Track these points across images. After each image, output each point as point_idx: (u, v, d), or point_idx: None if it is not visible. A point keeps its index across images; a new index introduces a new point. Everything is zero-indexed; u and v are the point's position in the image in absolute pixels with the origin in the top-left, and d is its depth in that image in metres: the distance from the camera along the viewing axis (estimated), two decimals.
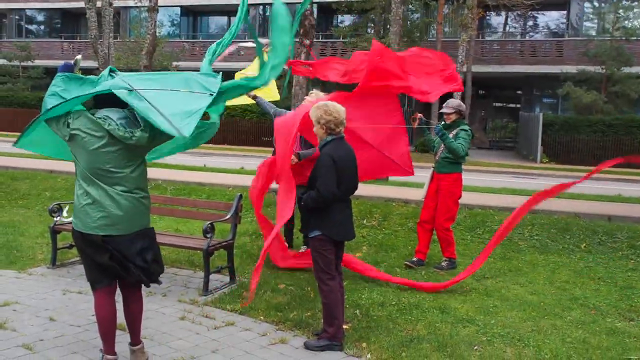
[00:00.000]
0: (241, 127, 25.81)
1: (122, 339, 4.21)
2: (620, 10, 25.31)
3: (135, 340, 4.06)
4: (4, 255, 6.74)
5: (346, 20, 32.07)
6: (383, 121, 6.26)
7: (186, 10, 34.84)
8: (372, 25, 26.81)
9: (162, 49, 27.80)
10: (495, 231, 5.71)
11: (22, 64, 32.66)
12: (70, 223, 4.00)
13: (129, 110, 3.79)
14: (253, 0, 31.00)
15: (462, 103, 7.02)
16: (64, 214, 6.65)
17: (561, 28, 30.55)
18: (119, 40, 29.79)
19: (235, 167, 14.97)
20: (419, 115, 6.67)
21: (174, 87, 3.86)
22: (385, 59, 5.97)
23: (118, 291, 4.00)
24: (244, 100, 7.30)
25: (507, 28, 31.99)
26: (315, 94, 6.59)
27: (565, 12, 29.78)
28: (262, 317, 5.06)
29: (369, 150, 6.18)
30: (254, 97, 7.15)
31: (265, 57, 3.83)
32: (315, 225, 4.55)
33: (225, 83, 3.90)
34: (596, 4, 28.06)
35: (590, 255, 7.67)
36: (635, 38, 24.81)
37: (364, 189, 9.78)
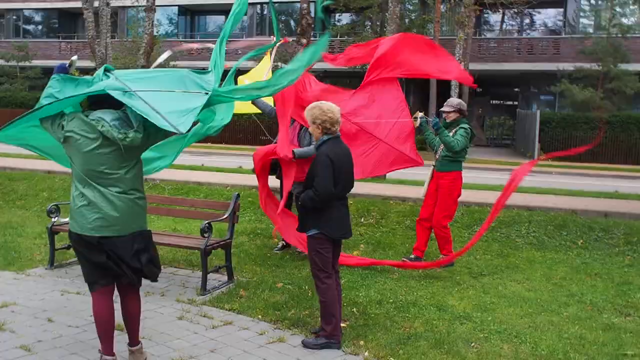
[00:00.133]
0: (239, 126, 25.81)
1: (121, 339, 4.22)
2: (617, 7, 25.35)
3: (134, 340, 4.07)
4: (2, 257, 6.75)
5: (344, 18, 32.05)
6: (391, 116, 6.33)
7: (184, 10, 34.82)
8: (370, 23, 26.79)
9: (160, 49, 27.78)
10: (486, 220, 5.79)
11: (20, 64, 32.62)
12: (68, 224, 4.01)
13: (122, 112, 3.79)
14: None
15: (462, 102, 6.99)
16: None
17: (558, 25, 30.57)
18: (116, 40, 29.77)
19: (233, 167, 14.99)
20: (420, 113, 6.69)
21: (169, 86, 3.87)
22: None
23: (116, 292, 4.01)
24: (250, 108, 7.31)
25: (504, 26, 32.01)
26: None
27: (562, 9, 29.80)
28: (260, 316, 5.08)
29: (379, 145, 6.25)
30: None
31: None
32: (312, 224, 4.56)
33: (236, 87, 3.98)
34: (592, 0, 28.10)
35: (587, 251, 7.71)
36: (631, 35, 24.85)
37: (361, 187, 9.80)
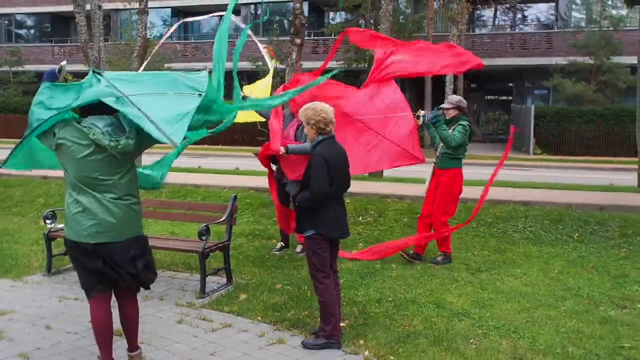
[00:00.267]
0: (235, 127, 25.79)
1: (120, 345, 4.22)
2: (608, 1, 25.44)
3: (133, 346, 4.08)
4: None
5: (338, 17, 32.06)
6: (393, 113, 6.36)
7: (177, 12, 34.74)
8: (364, 21, 26.81)
9: (154, 51, 27.71)
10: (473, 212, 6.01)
11: (13, 69, 32.53)
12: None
13: (115, 117, 3.75)
14: None
15: (462, 99, 6.96)
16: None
17: (550, 19, 30.66)
18: (110, 43, 29.69)
19: (230, 168, 15.00)
20: (422, 111, 6.67)
21: (162, 89, 3.82)
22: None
23: (113, 297, 4.02)
24: (254, 117, 7.33)
25: (497, 21, 32.08)
26: None
27: (553, 3, 29.88)
28: (259, 318, 5.09)
29: (381, 141, 6.27)
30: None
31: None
32: (309, 225, 4.57)
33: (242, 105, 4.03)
34: None
35: (583, 245, 7.74)
36: (621, 27, 24.93)
37: (358, 186, 9.82)
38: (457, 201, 6.99)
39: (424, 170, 7.10)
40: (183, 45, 33.45)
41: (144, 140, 3.85)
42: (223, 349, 4.48)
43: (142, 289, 4.08)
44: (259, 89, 7.88)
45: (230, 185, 10.66)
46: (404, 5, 29.36)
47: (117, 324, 4.04)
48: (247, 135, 25.66)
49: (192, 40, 34.47)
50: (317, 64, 7.88)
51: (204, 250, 5.75)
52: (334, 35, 27.93)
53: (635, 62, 15.77)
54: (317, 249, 4.56)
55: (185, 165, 14.03)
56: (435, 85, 22.63)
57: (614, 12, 25.85)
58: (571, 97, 24.38)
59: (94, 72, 3.88)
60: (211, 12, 9.36)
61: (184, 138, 3.95)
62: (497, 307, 5.45)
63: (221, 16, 5.21)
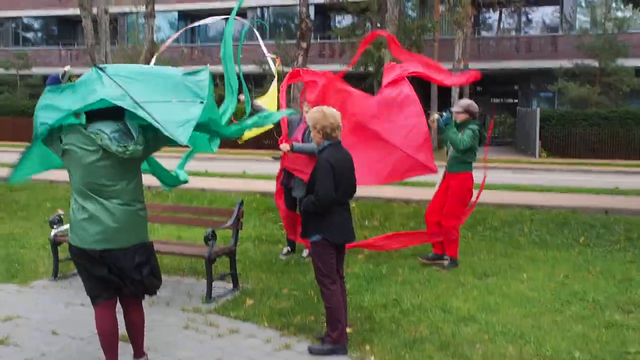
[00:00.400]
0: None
1: (126, 351, 4.22)
2: (612, 3, 25.38)
3: (139, 352, 4.09)
4: (5, 269, 6.74)
5: (345, 20, 32.09)
6: (407, 122, 6.39)
7: (184, 15, 34.85)
8: (370, 25, 26.84)
9: (161, 55, 27.82)
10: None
11: (20, 72, 32.70)
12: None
13: (122, 123, 3.74)
14: (250, 3, 31.06)
15: (473, 103, 6.92)
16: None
17: (555, 23, 30.62)
18: (116, 46, 29.82)
19: (237, 172, 15.02)
20: (436, 115, 6.65)
21: (165, 95, 3.75)
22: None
23: (119, 304, 4.03)
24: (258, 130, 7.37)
25: (502, 25, 32.06)
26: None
27: (558, 6, 29.85)
28: (265, 324, 5.09)
29: (394, 152, 6.29)
30: (256, 106, 7.17)
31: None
32: (314, 229, 4.58)
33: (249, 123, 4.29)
34: None
35: (588, 249, 7.73)
36: (625, 30, 24.89)
37: (363, 190, 9.79)
38: (466, 205, 6.99)
39: (430, 174, 7.09)
40: (189, 48, 33.54)
41: (151, 145, 3.87)
42: (229, 354, 4.48)
43: (147, 296, 4.08)
44: (269, 97, 7.94)
45: (236, 189, 10.70)
46: (411, 9, 29.36)
47: (122, 329, 4.05)
48: (254, 139, 25.64)
49: (199, 44, 34.56)
50: (324, 68, 7.89)
51: (211, 256, 5.76)
52: (340, 39, 27.95)
53: None
54: (323, 254, 4.56)
55: (192, 169, 14.05)
56: (441, 88, 22.63)
57: (619, 14, 25.79)
58: (576, 100, 24.32)
59: (96, 67, 3.79)
60: (218, 15, 9.36)
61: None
62: (503, 312, 5.44)
63: (226, 19, 5.23)
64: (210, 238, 5.77)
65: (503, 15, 31.50)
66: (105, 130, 3.66)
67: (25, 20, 38.47)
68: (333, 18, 33.15)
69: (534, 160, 21.91)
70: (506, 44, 28.82)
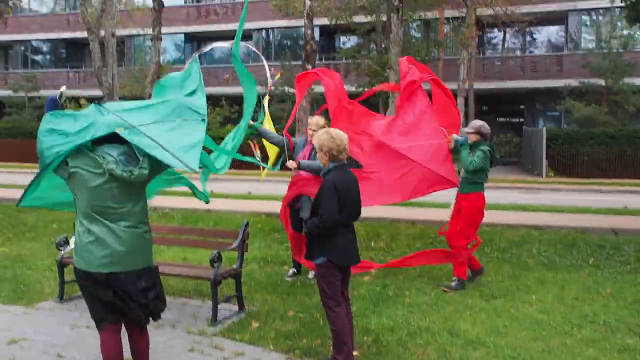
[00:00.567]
0: (247, 151, 25.90)
1: None
2: (618, 22, 25.48)
3: None
4: (11, 290, 6.74)
5: (350, 41, 32.30)
6: (427, 139, 6.42)
7: (190, 37, 35.20)
8: (375, 46, 27.00)
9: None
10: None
11: (28, 94, 33.01)
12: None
13: (128, 146, 3.75)
14: (256, 25, 31.32)
15: (485, 124, 6.92)
16: (71, 245, 6.64)
17: (560, 42, 30.72)
18: (123, 68, 30.11)
19: (243, 193, 15.00)
20: (455, 136, 6.63)
21: (167, 117, 3.83)
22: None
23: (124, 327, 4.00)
24: (270, 149, 7.41)
25: (507, 44, 32.21)
26: (316, 121, 6.75)
27: (563, 25, 29.97)
28: (271, 347, 5.03)
29: (416, 168, 6.30)
30: (256, 129, 7.19)
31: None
32: (319, 251, 4.56)
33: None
34: (594, 16, 28.25)
35: (598, 270, 7.64)
36: (631, 48, 24.93)
37: (368, 210, 9.75)
38: (477, 226, 6.96)
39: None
40: None
41: (156, 169, 3.87)
42: None
43: (151, 320, 4.05)
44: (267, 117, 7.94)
45: (242, 211, 10.67)
46: (415, 30, 29.55)
47: (127, 351, 4.01)
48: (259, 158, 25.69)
49: (205, 65, 34.82)
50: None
51: (216, 278, 5.73)
52: (345, 59, 28.12)
53: None
54: (328, 276, 4.53)
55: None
56: None
57: (625, 32, 25.85)
58: (582, 119, 24.29)
59: (95, 104, 3.87)
60: (224, 38, 9.46)
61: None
62: (512, 335, 5.37)
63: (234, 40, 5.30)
64: (216, 260, 5.74)
65: (507, 35, 31.64)
66: (112, 153, 3.68)
67: (34, 44, 38.94)
68: (338, 39, 33.39)
69: (541, 179, 21.81)
70: (511, 63, 28.90)
